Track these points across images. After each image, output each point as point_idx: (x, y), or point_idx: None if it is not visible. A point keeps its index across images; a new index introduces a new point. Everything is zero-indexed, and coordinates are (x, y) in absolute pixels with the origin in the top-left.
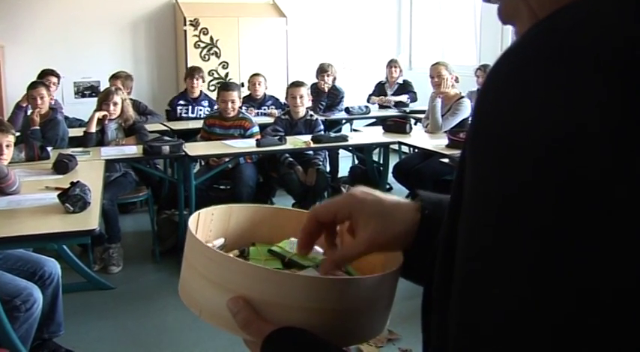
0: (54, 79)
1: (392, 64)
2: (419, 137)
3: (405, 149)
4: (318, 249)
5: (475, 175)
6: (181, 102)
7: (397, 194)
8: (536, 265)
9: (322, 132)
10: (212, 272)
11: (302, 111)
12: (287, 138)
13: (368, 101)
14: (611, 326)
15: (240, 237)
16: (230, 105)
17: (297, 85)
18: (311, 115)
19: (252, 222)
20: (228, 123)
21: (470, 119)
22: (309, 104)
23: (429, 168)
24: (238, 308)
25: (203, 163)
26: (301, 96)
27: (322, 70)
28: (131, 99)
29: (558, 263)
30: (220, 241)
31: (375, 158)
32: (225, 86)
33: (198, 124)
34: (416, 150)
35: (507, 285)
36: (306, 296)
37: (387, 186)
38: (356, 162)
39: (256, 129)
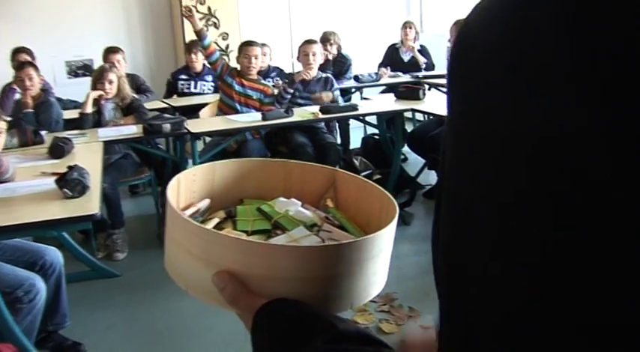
0: (26, 57)
1: (407, 25)
2: (433, 103)
3: (419, 117)
4: (304, 210)
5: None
6: (183, 76)
7: (412, 164)
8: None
9: (338, 92)
10: (195, 246)
11: (315, 71)
12: (294, 110)
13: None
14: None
15: (227, 195)
16: (253, 61)
17: (310, 42)
18: (325, 74)
19: (238, 177)
20: (248, 82)
21: None
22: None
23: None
24: (224, 282)
25: (208, 140)
26: (314, 54)
27: (325, 39)
28: (128, 74)
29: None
30: (205, 202)
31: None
32: (247, 42)
33: (203, 100)
34: (431, 117)
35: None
36: (295, 267)
37: (402, 157)
38: (368, 132)
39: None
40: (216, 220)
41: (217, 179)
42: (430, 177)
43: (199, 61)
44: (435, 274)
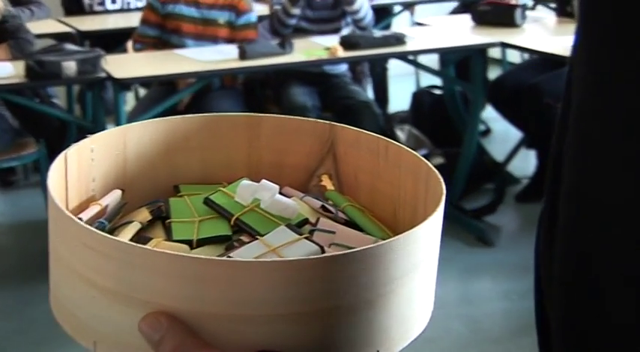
0: None
1: None
2: (538, 31)
3: (512, 57)
4: (284, 198)
5: None
6: None
7: (499, 140)
8: None
9: (365, 17)
10: (103, 273)
11: None
12: (294, 42)
13: None
14: None
15: (152, 180)
16: None
17: None
18: None
19: (169, 149)
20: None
21: None
22: None
23: (555, 85)
24: (160, 331)
25: (144, 92)
26: None
27: None
28: None
29: None
30: (115, 196)
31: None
32: None
33: (129, 23)
34: (533, 56)
35: None
36: (278, 297)
37: (483, 128)
38: (422, 84)
39: (254, 17)
40: (135, 226)
41: (132, 154)
42: (529, 163)
43: None
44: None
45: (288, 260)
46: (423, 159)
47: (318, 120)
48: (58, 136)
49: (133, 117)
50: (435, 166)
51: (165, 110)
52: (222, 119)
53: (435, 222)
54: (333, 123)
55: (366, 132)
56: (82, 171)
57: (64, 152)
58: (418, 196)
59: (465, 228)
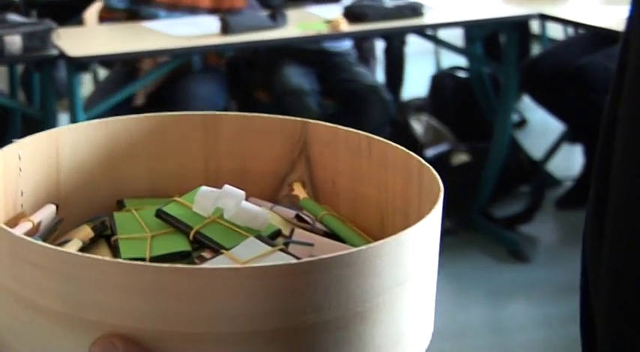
0: None
1: None
2: (585, 1)
3: (554, 32)
4: (254, 207)
5: None
6: None
7: (536, 134)
8: None
9: None
10: (43, 291)
11: None
12: (288, 13)
13: None
14: None
15: (91, 193)
16: None
17: None
18: None
19: (110, 156)
20: None
21: None
22: None
23: (605, 67)
24: None
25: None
26: None
27: None
28: None
29: None
30: (48, 212)
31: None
32: None
33: None
34: (579, 31)
35: None
36: (249, 311)
37: (516, 119)
38: (444, 65)
39: None
40: (75, 244)
41: (67, 162)
42: (572, 162)
43: None
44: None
45: (267, 265)
46: (413, 154)
47: (287, 117)
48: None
49: (91, 104)
50: (459, 165)
51: (130, 96)
52: (173, 119)
53: (432, 223)
54: (305, 119)
55: (344, 128)
56: (8, 183)
57: None
58: (410, 200)
59: (494, 239)
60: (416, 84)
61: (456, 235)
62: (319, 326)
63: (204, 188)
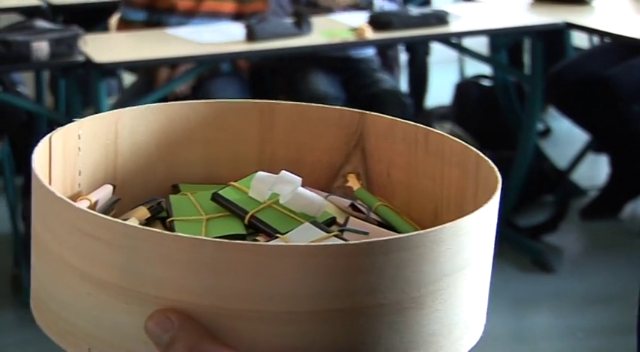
0: None
1: None
2: (613, 10)
3: (579, 41)
4: (310, 193)
5: None
6: None
7: (561, 143)
8: None
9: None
10: (101, 263)
11: None
12: (313, 20)
13: None
14: None
15: (147, 176)
16: None
17: None
18: None
19: (168, 141)
20: None
21: None
22: None
23: (633, 78)
24: (171, 332)
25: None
26: None
27: None
28: None
29: None
30: (105, 192)
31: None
32: None
33: None
34: (606, 40)
35: None
36: (316, 289)
37: (541, 128)
38: (468, 73)
39: None
40: (133, 222)
41: (125, 144)
42: (598, 171)
43: None
44: None
45: (328, 244)
46: (471, 147)
47: (345, 108)
48: (24, 133)
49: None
50: None
51: (159, 101)
52: (230, 106)
53: (489, 213)
54: (362, 111)
55: (401, 120)
56: (67, 161)
57: (48, 135)
58: (465, 192)
59: (518, 249)
60: (440, 92)
61: None
62: (374, 309)
63: (261, 173)
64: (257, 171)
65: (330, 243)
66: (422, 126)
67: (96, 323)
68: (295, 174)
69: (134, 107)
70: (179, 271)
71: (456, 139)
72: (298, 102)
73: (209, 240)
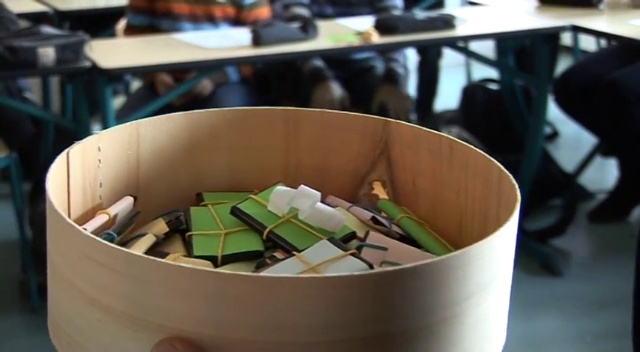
0: None
1: None
2: (619, 13)
3: (586, 43)
4: (327, 207)
5: None
6: None
7: (568, 146)
8: None
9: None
10: (110, 291)
11: None
12: (319, 24)
13: None
14: None
15: (170, 186)
16: None
17: None
18: None
19: (190, 149)
20: None
21: None
22: None
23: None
24: None
25: (135, 86)
26: None
27: None
28: None
29: None
30: (125, 204)
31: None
32: None
33: (118, 0)
34: (613, 43)
35: None
36: (320, 320)
37: (549, 131)
38: (475, 76)
39: None
40: (149, 239)
41: (147, 154)
42: (606, 175)
43: None
44: None
45: (330, 276)
46: (493, 160)
47: (368, 116)
48: (32, 140)
49: (123, 115)
50: None
51: (163, 108)
52: (255, 113)
53: (508, 234)
54: (387, 119)
55: (425, 129)
56: (86, 175)
57: (65, 151)
58: (489, 205)
59: (526, 253)
60: (447, 96)
61: None
62: (384, 339)
63: (279, 187)
64: (281, 180)
65: (331, 274)
66: (445, 135)
67: (105, 349)
68: (321, 181)
69: (155, 117)
70: (182, 301)
71: (480, 151)
72: (322, 109)
73: (210, 271)
